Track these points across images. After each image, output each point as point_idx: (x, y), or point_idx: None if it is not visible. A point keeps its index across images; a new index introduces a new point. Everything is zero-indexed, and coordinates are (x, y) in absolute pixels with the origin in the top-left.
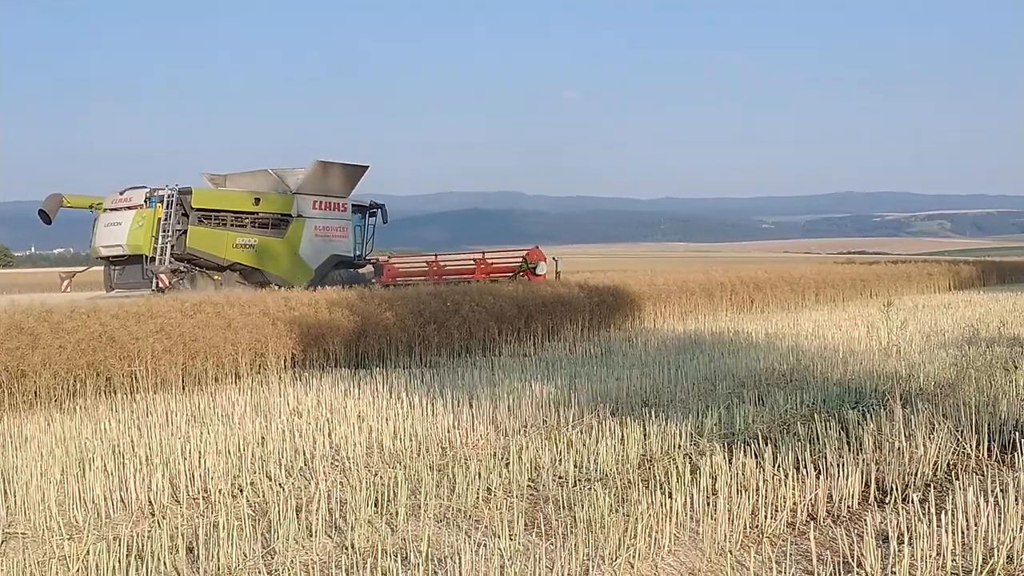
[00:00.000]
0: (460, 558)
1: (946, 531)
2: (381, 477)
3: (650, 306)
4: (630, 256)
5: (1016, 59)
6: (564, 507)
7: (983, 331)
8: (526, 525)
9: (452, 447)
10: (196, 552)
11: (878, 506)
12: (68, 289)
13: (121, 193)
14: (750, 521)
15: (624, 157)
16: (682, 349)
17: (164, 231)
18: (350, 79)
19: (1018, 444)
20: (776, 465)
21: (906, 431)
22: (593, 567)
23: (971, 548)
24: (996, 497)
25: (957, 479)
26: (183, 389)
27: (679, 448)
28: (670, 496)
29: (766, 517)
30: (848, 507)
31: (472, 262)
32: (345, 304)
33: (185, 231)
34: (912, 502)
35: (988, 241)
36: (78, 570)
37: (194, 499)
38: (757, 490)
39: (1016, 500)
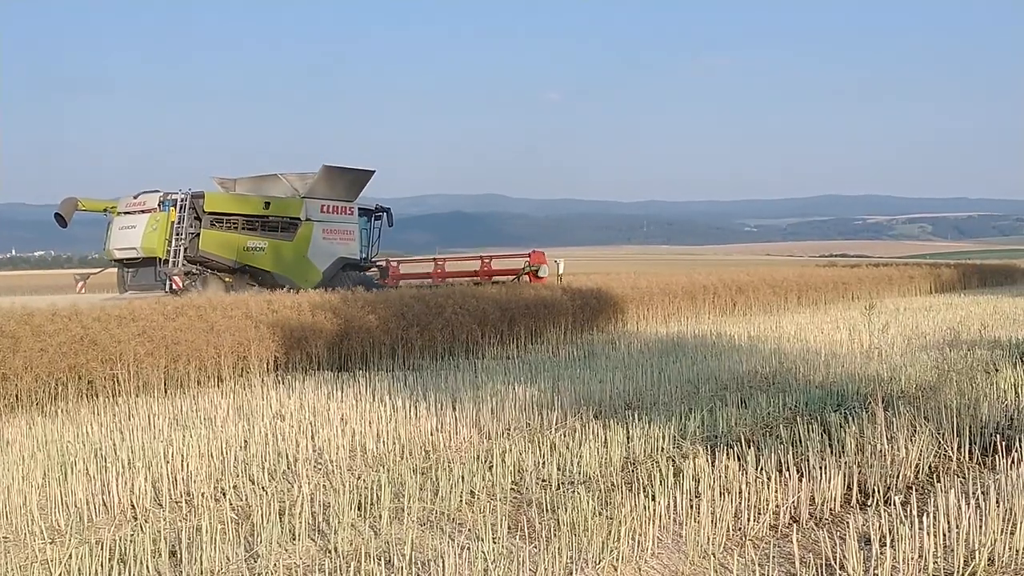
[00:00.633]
0: (443, 561)
1: (928, 533)
2: (364, 480)
3: (633, 309)
4: (613, 258)
5: (998, 62)
6: (547, 510)
7: (964, 334)
8: (509, 528)
9: (435, 450)
10: (179, 556)
11: (860, 508)
12: (83, 290)
13: (135, 197)
14: (733, 524)
15: (607, 159)
16: (665, 352)
17: (177, 234)
18: (330, 81)
19: (999, 447)
20: (759, 468)
21: (888, 434)
22: (576, 570)
23: (953, 550)
24: (977, 499)
25: (938, 481)
26: (165, 392)
27: (662, 451)
28: (653, 499)
29: (749, 520)
30: (830, 509)
31: (476, 264)
32: (328, 307)
33: (198, 234)
34: (894, 504)
35: (969, 244)
36: (60, 574)
37: (177, 503)
38: (740, 493)
39: (997, 502)
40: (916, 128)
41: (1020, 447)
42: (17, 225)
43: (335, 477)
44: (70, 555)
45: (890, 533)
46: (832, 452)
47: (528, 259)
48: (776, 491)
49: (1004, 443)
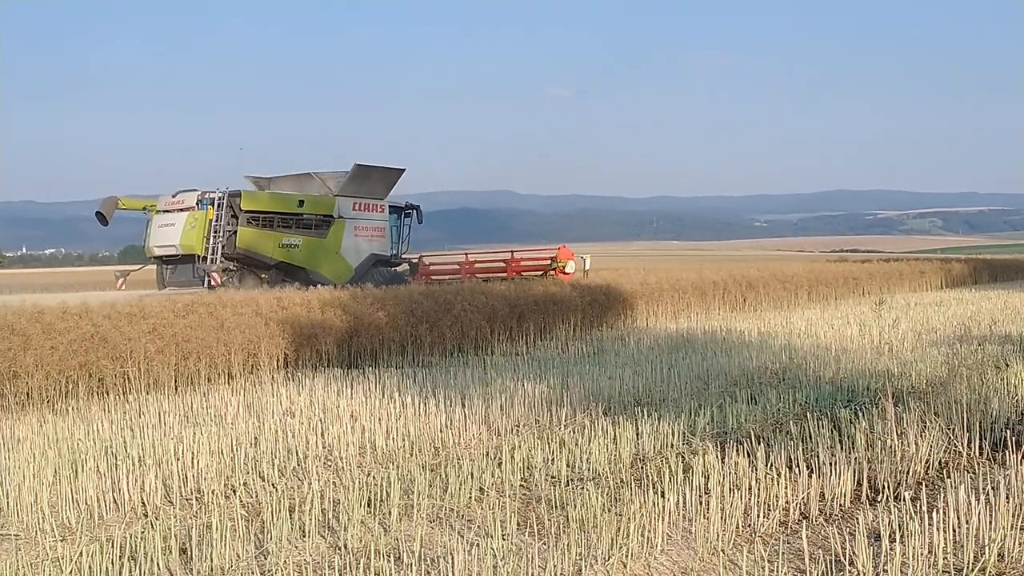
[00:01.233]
0: (453, 558)
1: (938, 529)
2: (374, 477)
3: (642, 305)
4: (623, 255)
5: (1008, 57)
6: (557, 507)
7: (975, 329)
8: (519, 525)
9: (445, 447)
10: (189, 553)
11: (870, 505)
12: (123, 287)
13: (174, 196)
14: (743, 520)
15: (616, 155)
16: (674, 348)
17: (215, 232)
18: (336, 77)
19: (1009, 442)
20: (769, 464)
21: (898, 429)
22: (586, 567)
23: (963, 546)
24: (987, 495)
25: (949, 477)
26: (176, 389)
27: (672, 447)
28: (663, 495)
29: (759, 516)
30: (840, 506)
31: (503, 260)
32: (337, 304)
33: (235, 232)
34: (904, 500)
35: (980, 239)
36: (71, 572)
37: (187, 500)
38: (750, 489)
39: (1007, 498)
40: (927, 122)
41: None
42: (27, 223)
43: (345, 474)
44: (81, 553)
45: (900, 529)
46: (842, 448)
47: (556, 255)
48: (786, 487)
49: (1015, 438)
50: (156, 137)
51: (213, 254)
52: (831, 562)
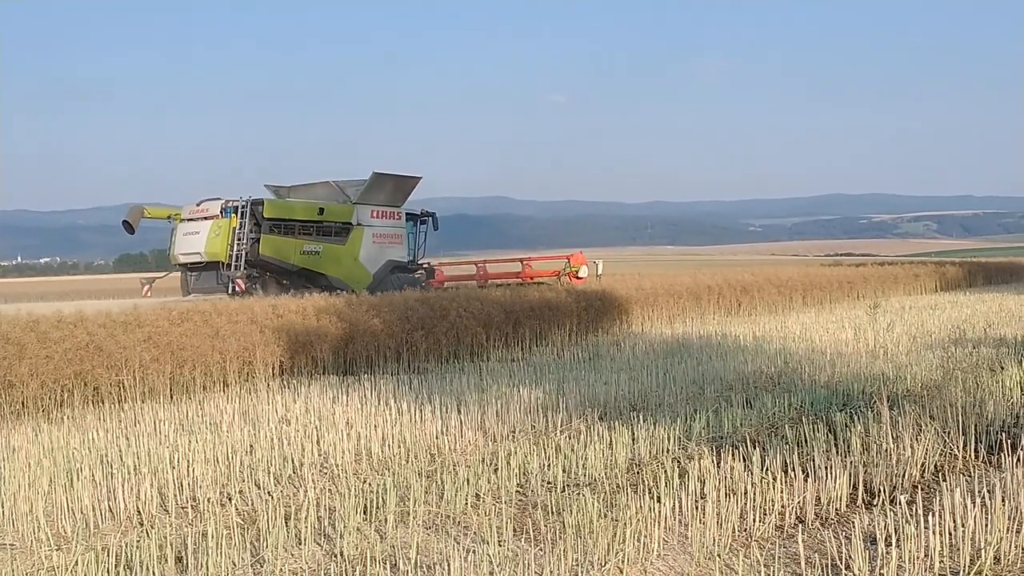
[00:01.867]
0: (449, 565)
1: (933, 532)
2: (370, 484)
3: (638, 310)
4: (618, 259)
5: (1004, 59)
6: (553, 512)
7: (969, 332)
8: (515, 531)
9: (441, 453)
10: (185, 561)
11: (866, 508)
12: (149, 294)
13: (198, 204)
14: (739, 525)
15: (612, 160)
16: (670, 353)
17: (239, 239)
18: (331, 84)
19: (1004, 445)
20: (764, 468)
21: (893, 433)
22: (582, 572)
23: (958, 549)
24: (983, 498)
25: (944, 480)
26: (171, 398)
27: (667, 452)
28: (659, 500)
29: (755, 520)
30: (836, 509)
31: (517, 266)
32: (333, 311)
33: (257, 239)
34: (900, 504)
35: (974, 242)
36: None
37: (183, 508)
38: (745, 493)
39: (1003, 501)
40: (921, 126)
41: None
42: (22, 232)
43: (341, 481)
44: (76, 562)
45: (896, 532)
46: (838, 452)
47: (568, 260)
48: (782, 491)
49: (1010, 441)
50: (154, 145)
51: (237, 261)
52: (827, 566)
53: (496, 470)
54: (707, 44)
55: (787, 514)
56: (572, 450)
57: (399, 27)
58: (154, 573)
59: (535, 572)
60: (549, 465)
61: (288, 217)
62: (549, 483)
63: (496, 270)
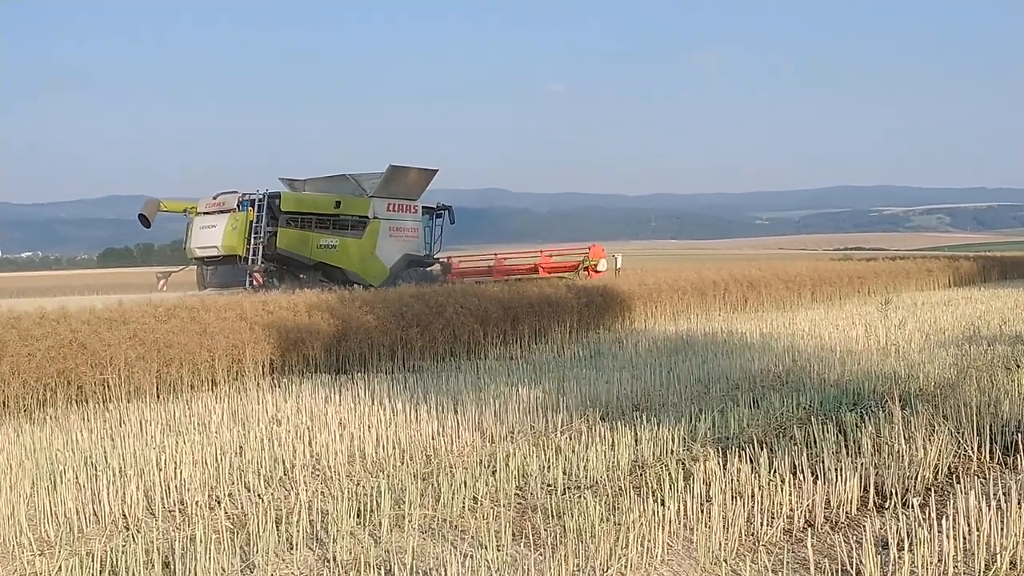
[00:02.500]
0: (445, 570)
1: (947, 536)
2: (363, 487)
3: (640, 306)
4: (620, 254)
5: (1017, 47)
6: (553, 516)
7: (984, 329)
8: (514, 535)
9: (437, 455)
10: (172, 567)
11: (877, 511)
12: (164, 288)
13: (214, 198)
14: (745, 529)
15: (613, 151)
16: (674, 350)
17: (256, 233)
18: (322, 70)
19: (1020, 446)
20: (772, 470)
21: (905, 433)
22: None
23: (973, 554)
24: (999, 500)
25: (958, 482)
26: (158, 397)
27: (672, 454)
28: (663, 504)
29: (762, 524)
30: (846, 513)
31: (534, 259)
32: (325, 307)
33: (275, 233)
34: (912, 507)
35: (989, 236)
36: None
37: (170, 512)
38: (752, 496)
39: (1019, 503)
40: (933, 115)
41: None
42: (2, 225)
43: (333, 484)
44: (60, 567)
45: (908, 536)
46: (848, 453)
47: (587, 253)
48: (790, 494)
49: None
50: (138, 136)
51: (254, 255)
52: (837, 571)
53: (494, 472)
54: (712, 30)
55: (796, 518)
56: (573, 451)
57: (388, 13)
58: None
59: None
60: (549, 467)
61: (305, 210)
62: (549, 485)
63: (513, 264)
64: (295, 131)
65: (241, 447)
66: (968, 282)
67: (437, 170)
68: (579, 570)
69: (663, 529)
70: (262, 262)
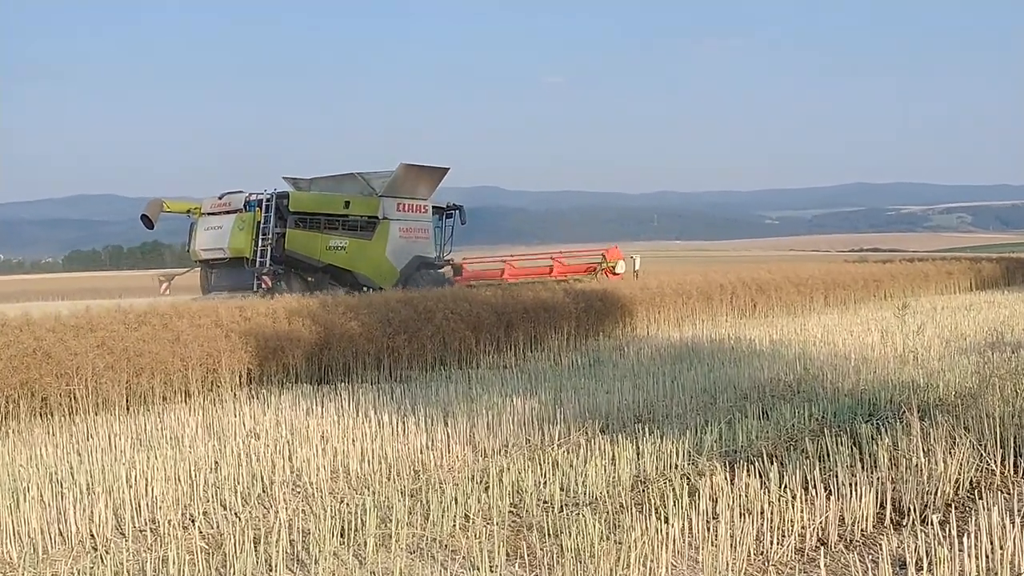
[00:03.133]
0: None
1: (969, 555)
2: (348, 504)
3: (642, 311)
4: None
5: None
6: (550, 535)
7: (1008, 335)
8: (508, 555)
9: (426, 470)
10: None
11: (894, 529)
12: (167, 292)
13: (220, 198)
14: (754, 547)
15: (613, 147)
16: (678, 358)
17: (264, 234)
18: (306, 61)
19: None
20: (782, 485)
21: (924, 446)
22: None
23: (996, 573)
24: (1023, 517)
25: (980, 498)
26: (127, 409)
27: (676, 468)
28: (666, 521)
29: (772, 543)
30: (862, 530)
31: (548, 262)
32: (306, 313)
33: (283, 234)
34: (931, 524)
35: (1013, 236)
36: None
37: (141, 531)
38: (762, 513)
39: None
40: (953, 108)
41: None
42: None
43: (315, 501)
44: None
45: (927, 556)
46: (863, 467)
47: (604, 255)
48: (802, 511)
49: None
50: (105, 133)
51: (263, 257)
52: None
53: (487, 488)
54: (717, 18)
55: (808, 536)
56: (571, 466)
57: (376, 3)
58: None
59: None
60: (545, 483)
61: (314, 211)
62: (545, 502)
63: (527, 267)
64: (275, 126)
65: (217, 462)
66: (991, 285)
67: (448, 168)
68: None
69: (667, 548)
70: (271, 264)
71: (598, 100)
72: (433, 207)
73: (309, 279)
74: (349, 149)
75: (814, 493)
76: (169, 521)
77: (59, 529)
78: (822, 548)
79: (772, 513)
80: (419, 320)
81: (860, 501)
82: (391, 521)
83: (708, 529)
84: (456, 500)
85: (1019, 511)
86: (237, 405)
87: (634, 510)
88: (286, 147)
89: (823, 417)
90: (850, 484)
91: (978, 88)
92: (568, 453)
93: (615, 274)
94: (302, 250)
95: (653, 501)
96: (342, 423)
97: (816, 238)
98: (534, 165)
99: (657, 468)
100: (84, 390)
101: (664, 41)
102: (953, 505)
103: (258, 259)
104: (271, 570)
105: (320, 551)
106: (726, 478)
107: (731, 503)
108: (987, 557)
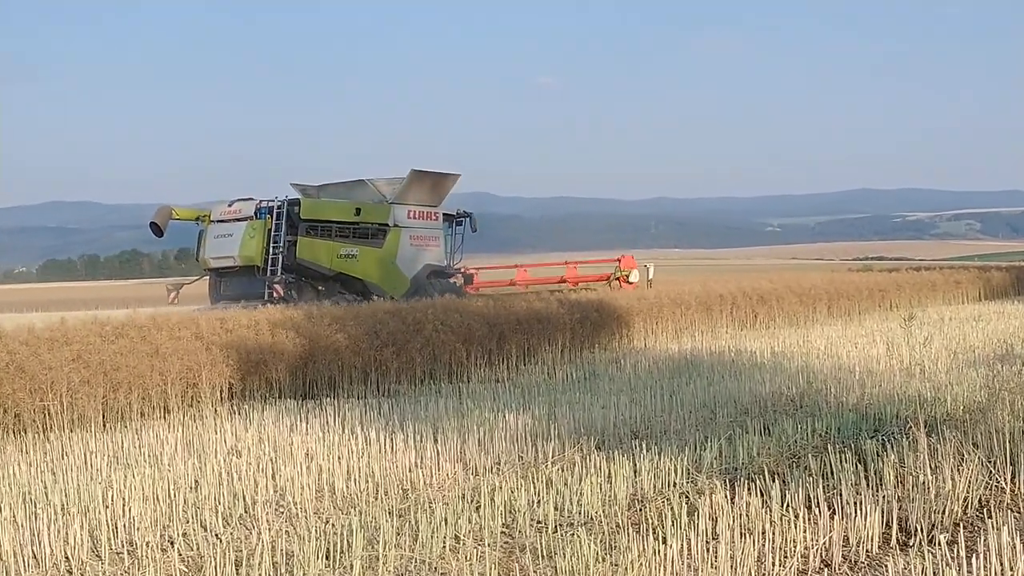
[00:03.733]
0: None
1: None
2: (333, 525)
3: (640, 322)
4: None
5: None
6: (543, 556)
7: (1019, 347)
8: None
9: (414, 489)
10: None
11: (901, 550)
12: (176, 301)
13: (230, 205)
14: (756, 569)
15: (608, 152)
16: (677, 372)
17: (275, 242)
18: (289, 61)
19: None
20: (785, 504)
21: (932, 463)
22: None
23: None
24: None
25: (990, 517)
26: (104, 426)
27: (674, 486)
28: (664, 542)
29: (774, 564)
30: (867, 551)
31: (561, 271)
32: (290, 325)
33: (294, 242)
34: (939, 544)
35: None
36: None
37: (117, 554)
38: (763, 533)
39: None
40: (961, 111)
41: None
42: None
43: (299, 522)
44: None
45: None
46: (868, 485)
47: (618, 264)
48: (805, 531)
49: None
50: (79, 137)
51: (274, 265)
52: None
53: (478, 508)
54: (715, 16)
55: (811, 557)
56: (565, 484)
57: (366, 7)
58: None
59: None
60: (539, 502)
61: (325, 218)
62: (539, 522)
63: (540, 275)
64: (258, 129)
65: (197, 481)
66: (1001, 295)
67: (459, 175)
68: None
69: (665, 570)
70: (282, 273)
71: (592, 101)
72: (444, 214)
73: (319, 288)
74: (334, 152)
75: (817, 512)
76: (147, 543)
77: (32, 551)
78: (826, 570)
79: (774, 533)
80: (408, 332)
81: (865, 520)
82: (378, 543)
83: (708, 550)
84: (446, 520)
85: None
86: (218, 421)
87: (631, 530)
88: (268, 151)
89: (827, 433)
90: (855, 503)
91: (988, 90)
92: (562, 471)
93: (629, 283)
94: (313, 258)
95: (651, 521)
96: (327, 440)
97: (819, 246)
98: (527, 170)
99: (655, 486)
100: (59, 406)
101: (660, 40)
102: (961, 524)
103: (269, 267)
104: None
105: (304, 574)
106: (726, 496)
107: (731, 523)
108: None
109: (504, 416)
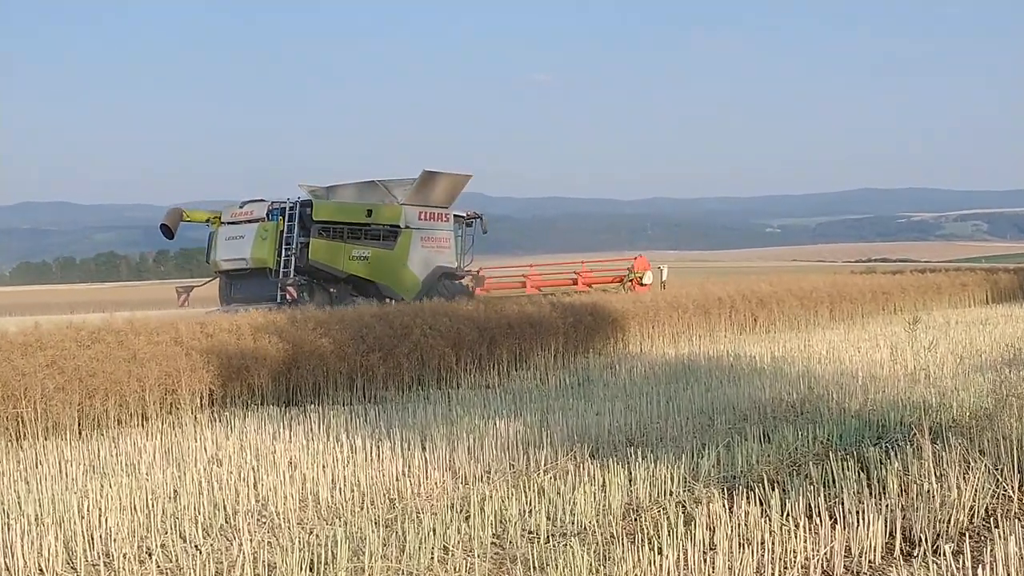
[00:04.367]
0: None
1: None
2: (317, 536)
3: (635, 326)
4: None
5: None
6: (535, 568)
7: None
8: None
9: (402, 498)
10: None
11: (905, 560)
12: (186, 304)
13: (241, 206)
14: None
15: (603, 151)
16: (674, 377)
17: (287, 244)
18: (271, 55)
19: None
20: (785, 513)
21: (936, 471)
22: None
23: None
24: None
25: (996, 526)
26: (80, 434)
27: (671, 495)
28: (660, 552)
29: (773, 575)
30: (870, 561)
31: (572, 272)
32: (273, 329)
33: (307, 243)
34: (944, 554)
35: None
36: None
37: (94, 566)
38: (762, 543)
39: None
40: (967, 109)
41: None
42: None
43: (282, 532)
44: None
45: None
46: (871, 493)
47: (632, 265)
48: (805, 541)
49: None
50: (53, 134)
51: (286, 267)
52: None
53: (468, 518)
54: (714, 13)
55: (812, 568)
56: (558, 493)
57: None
58: None
59: None
60: (531, 511)
61: (337, 220)
62: (531, 533)
63: (551, 277)
64: (242, 129)
65: (176, 491)
66: (1008, 298)
67: (471, 175)
68: None
69: None
70: (295, 275)
71: (587, 99)
72: (454, 215)
73: (331, 290)
74: (325, 152)
75: (818, 521)
76: (124, 554)
77: (5, 564)
78: None
79: (773, 543)
80: (395, 336)
81: (868, 530)
82: (364, 554)
83: (705, 561)
84: (434, 531)
85: None
86: (198, 429)
87: (625, 540)
88: (255, 151)
89: (828, 440)
90: (857, 512)
91: (994, 87)
92: (555, 479)
93: (643, 285)
94: (325, 260)
95: (646, 531)
96: (311, 448)
97: (821, 248)
98: (519, 169)
99: (650, 495)
100: (33, 413)
101: (657, 36)
102: (967, 534)
103: (281, 269)
104: None
105: None
106: (724, 505)
107: (729, 532)
108: None
109: (495, 423)
